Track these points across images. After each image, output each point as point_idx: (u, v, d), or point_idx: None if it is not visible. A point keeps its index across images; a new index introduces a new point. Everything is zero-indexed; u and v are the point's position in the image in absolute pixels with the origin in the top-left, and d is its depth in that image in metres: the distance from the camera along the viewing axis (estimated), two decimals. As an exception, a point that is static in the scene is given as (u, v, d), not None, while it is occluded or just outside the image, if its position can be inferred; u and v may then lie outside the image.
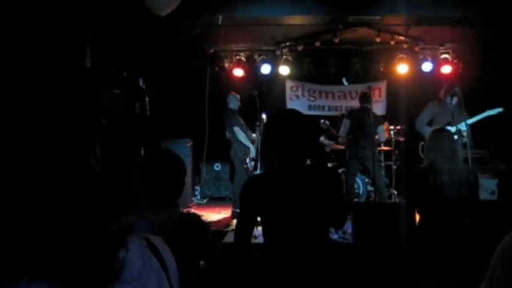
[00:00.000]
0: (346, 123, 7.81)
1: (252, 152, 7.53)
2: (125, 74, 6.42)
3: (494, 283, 1.87)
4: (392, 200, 8.05)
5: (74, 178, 1.38)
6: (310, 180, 2.63)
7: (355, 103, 8.85)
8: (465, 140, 6.67)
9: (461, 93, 6.84)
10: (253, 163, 7.53)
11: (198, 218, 2.68)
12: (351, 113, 8.03)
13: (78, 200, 1.36)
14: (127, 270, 1.35)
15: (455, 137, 6.59)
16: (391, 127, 8.19)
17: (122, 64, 6.41)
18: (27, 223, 1.28)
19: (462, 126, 6.59)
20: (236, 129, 7.51)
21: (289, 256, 2.57)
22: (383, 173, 8.15)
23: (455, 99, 6.85)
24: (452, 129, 6.69)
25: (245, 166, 7.51)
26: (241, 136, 7.53)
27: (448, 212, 3.78)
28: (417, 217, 4.14)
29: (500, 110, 6.69)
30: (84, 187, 1.38)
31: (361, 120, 7.62)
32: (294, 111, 2.85)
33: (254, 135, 7.90)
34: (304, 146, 2.72)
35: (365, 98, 7.89)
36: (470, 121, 6.61)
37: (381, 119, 8.00)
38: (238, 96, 7.82)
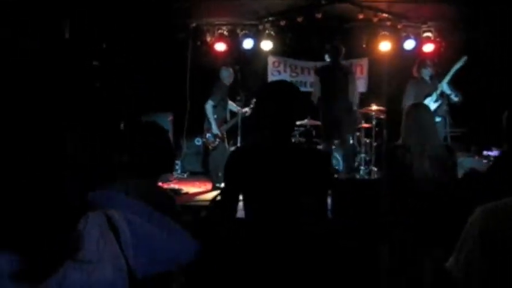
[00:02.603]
0: (316, 81, 7.71)
1: (214, 129, 7.55)
2: (104, 46, 6.32)
3: (462, 258, 1.90)
4: (372, 177, 8.10)
5: (37, 150, 1.38)
6: (298, 159, 2.58)
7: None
8: (455, 99, 6.72)
9: (432, 64, 6.91)
10: (213, 139, 7.62)
11: (164, 190, 2.67)
12: (320, 69, 7.90)
13: (40, 172, 1.37)
14: (85, 246, 1.39)
15: (439, 102, 6.66)
16: (374, 105, 8.18)
17: (101, 36, 6.31)
18: None
19: (444, 89, 6.62)
20: (207, 106, 7.52)
21: (269, 234, 2.53)
22: (354, 139, 8.21)
23: (428, 70, 6.94)
24: (433, 97, 6.72)
25: (204, 140, 7.74)
26: (210, 113, 7.54)
27: (418, 191, 3.75)
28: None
29: (465, 58, 6.70)
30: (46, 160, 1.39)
31: (330, 76, 7.54)
32: (286, 83, 2.79)
33: (238, 108, 7.88)
34: (294, 120, 2.68)
35: (334, 51, 7.76)
36: (444, 82, 6.65)
37: (351, 70, 7.99)
38: (231, 69, 7.77)
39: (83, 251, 1.38)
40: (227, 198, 2.64)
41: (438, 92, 6.65)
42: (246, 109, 7.91)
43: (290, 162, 2.55)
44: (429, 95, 6.81)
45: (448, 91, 6.66)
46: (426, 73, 7.02)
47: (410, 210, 3.71)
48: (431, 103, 6.74)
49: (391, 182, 3.96)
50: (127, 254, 1.51)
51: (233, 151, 2.83)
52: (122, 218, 1.55)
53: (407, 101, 6.97)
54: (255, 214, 2.61)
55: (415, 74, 7.11)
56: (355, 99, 7.85)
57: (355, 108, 7.85)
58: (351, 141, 8.22)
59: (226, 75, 7.68)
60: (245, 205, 2.63)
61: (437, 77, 6.85)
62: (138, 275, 1.54)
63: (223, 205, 2.65)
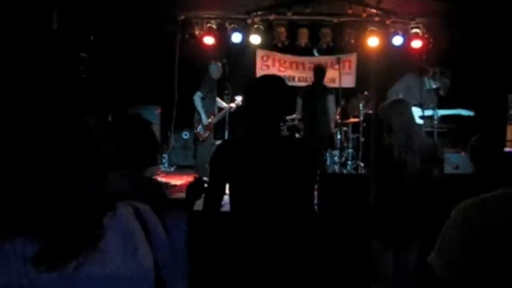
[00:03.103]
0: (298, 104, 7.71)
1: (204, 120, 7.55)
2: (92, 38, 6.28)
3: (443, 253, 1.91)
4: (359, 172, 8.13)
5: (62, 140, 1.39)
6: (285, 152, 2.58)
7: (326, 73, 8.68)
8: (434, 122, 6.63)
9: (450, 80, 6.76)
10: (204, 131, 7.61)
11: (151, 178, 2.70)
12: (303, 92, 7.86)
13: (66, 163, 1.39)
14: (108, 239, 1.40)
15: (422, 121, 6.57)
16: (361, 101, 8.20)
17: (89, 27, 6.27)
18: (16, 183, 1.34)
19: (434, 115, 6.50)
20: (196, 98, 7.51)
21: (256, 227, 2.53)
22: (342, 135, 8.47)
23: (438, 83, 6.72)
24: (421, 114, 6.58)
25: (196, 132, 7.70)
26: (198, 105, 7.54)
27: (407, 187, 3.75)
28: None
29: (471, 114, 6.61)
30: (71, 151, 1.41)
31: (311, 99, 7.64)
32: (275, 77, 2.78)
33: (224, 104, 7.90)
34: (282, 114, 2.68)
35: (318, 72, 7.87)
36: (439, 112, 6.50)
37: (330, 91, 8.06)
38: (219, 64, 7.77)
39: (105, 244, 1.39)
40: (213, 192, 2.62)
41: (428, 114, 6.53)
42: (232, 105, 7.92)
43: (277, 156, 2.55)
44: (420, 105, 6.60)
45: (435, 117, 6.57)
46: (434, 83, 6.81)
47: (398, 205, 3.72)
48: (417, 117, 6.62)
49: (380, 178, 3.95)
50: (155, 249, 1.52)
51: (220, 144, 2.80)
52: (151, 212, 1.57)
53: (398, 89, 6.81)
54: (241, 208, 2.59)
55: (429, 73, 6.87)
56: (331, 120, 8.04)
57: (332, 126, 8.08)
58: (338, 136, 8.27)
59: (215, 70, 7.68)
60: (231, 199, 2.62)
61: (436, 94, 6.69)
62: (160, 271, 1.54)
63: (208, 199, 2.64)
